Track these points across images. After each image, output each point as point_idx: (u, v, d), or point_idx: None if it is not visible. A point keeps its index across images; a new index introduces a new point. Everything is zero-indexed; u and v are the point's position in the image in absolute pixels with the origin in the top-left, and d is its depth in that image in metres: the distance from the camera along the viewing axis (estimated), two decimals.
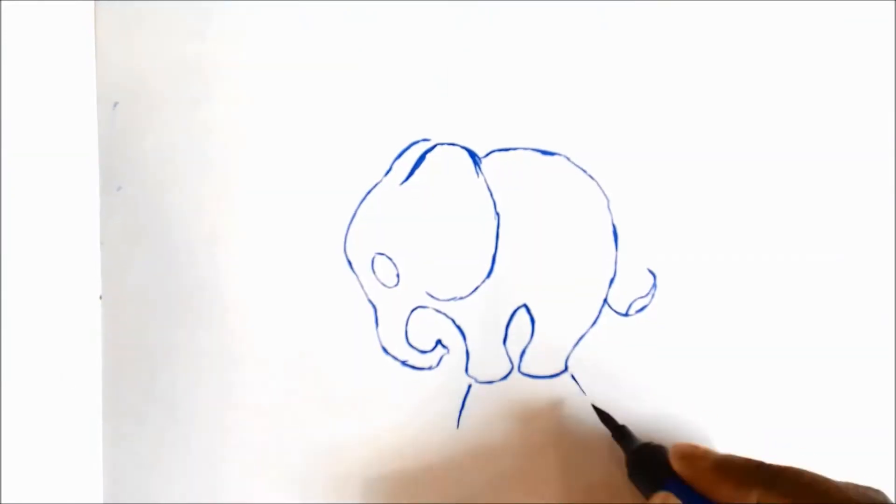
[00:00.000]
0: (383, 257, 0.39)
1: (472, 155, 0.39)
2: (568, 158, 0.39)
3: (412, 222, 0.39)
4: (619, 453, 0.36)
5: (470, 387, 0.39)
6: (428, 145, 0.39)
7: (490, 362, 0.39)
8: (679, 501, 0.32)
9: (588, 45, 0.39)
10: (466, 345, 0.39)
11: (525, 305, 0.39)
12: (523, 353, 0.39)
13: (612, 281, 0.38)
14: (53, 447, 0.39)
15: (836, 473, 0.36)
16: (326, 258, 0.39)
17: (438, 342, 0.39)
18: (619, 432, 0.36)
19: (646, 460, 0.35)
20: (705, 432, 0.38)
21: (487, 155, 0.39)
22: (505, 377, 0.39)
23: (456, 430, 0.38)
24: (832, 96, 0.39)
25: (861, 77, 0.39)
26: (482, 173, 0.39)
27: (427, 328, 0.39)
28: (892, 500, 0.31)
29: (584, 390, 0.38)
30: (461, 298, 0.39)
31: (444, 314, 0.39)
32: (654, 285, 0.38)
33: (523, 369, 0.39)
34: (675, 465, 0.33)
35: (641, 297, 0.38)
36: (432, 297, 0.39)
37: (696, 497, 0.32)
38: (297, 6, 0.39)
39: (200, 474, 0.39)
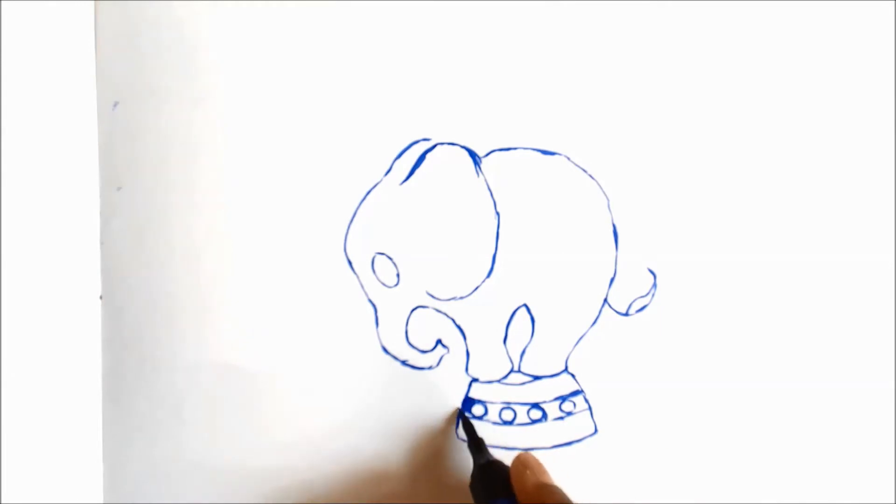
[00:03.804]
0: (383, 257, 0.39)
1: (472, 155, 0.39)
2: (568, 158, 0.39)
3: (412, 222, 0.39)
4: None
5: (470, 386, 0.39)
6: (428, 145, 0.39)
7: (490, 362, 0.39)
8: None
9: (588, 45, 0.39)
10: (466, 345, 0.39)
11: (525, 305, 0.39)
12: (523, 352, 0.39)
13: (612, 281, 0.39)
14: (53, 447, 0.38)
15: (836, 473, 0.37)
16: (326, 258, 0.39)
17: (438, 342, 0.39)
18: (476, 444, 0.37)
19: (488, 477, 0.35)
20: (705, 432, 0.38)
21: (487, 155, 0.39)
22: (505, 377, 0.39)
23: (456, 429, 0.38)
24: (832, 96, 0.39)
25: (861, 77, 0.39)
26: (482, 173, 0.39)
27: (427, 328, 0.39)
28: None
29: (584, 389, 0.38)
30: (461, 298, 0.39)
31: (444, 314, 0.39)
32: (654, 285, 0.38)
33: (523, 369, 0.39)
34: (513, 470, 0.33)
35: (641, 297, 0.38)
36: (432, 296, 0.39)
37: None
38: (297, 6, 0.39)
39: (200, 474, 0.39)
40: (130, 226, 0.40)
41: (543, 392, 0.38)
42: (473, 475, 0.35)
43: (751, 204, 0.39)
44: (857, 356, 0.38)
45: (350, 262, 0.39)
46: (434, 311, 0.39)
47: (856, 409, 0.38)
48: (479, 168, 0.39)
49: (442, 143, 0.39)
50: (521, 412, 0.38)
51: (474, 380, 0.39)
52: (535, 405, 0.38)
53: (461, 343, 0.39)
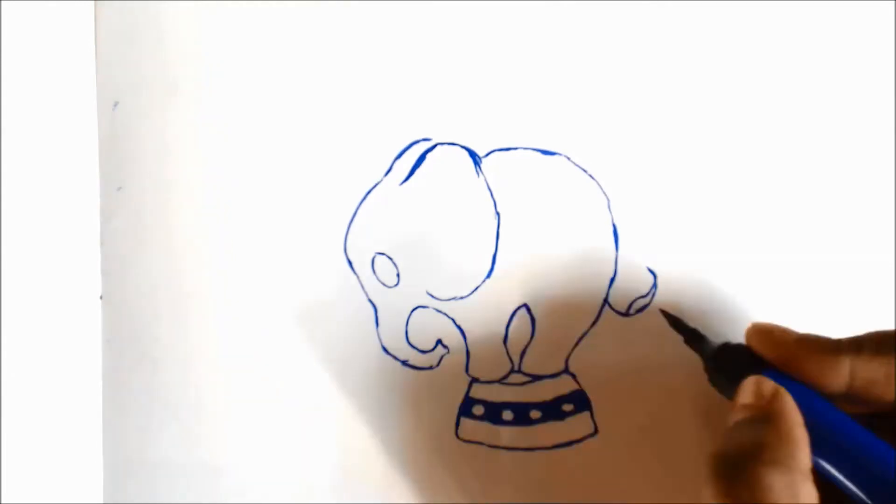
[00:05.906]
0: (383, 257, 0.39)
1: (473, 155, 0.39)
2: (568, 158, 0.39)
3: (412, 222, 0.39)
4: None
5: (470, 386, 0.39)
6: (428, 145, 0.39)
7: (490, 362, 0.39)
8: (772, 382, 0.29)
9: (588, 45, 0.39)
10: (466, 345, 0.39)
11: (525, 305, 0.39)
12: (523, 353, 0.39)
13: (612, 281, 0.38)
14: (53, 447, 0.39)
15: None
16: (326, 258, 0.39)
17: (438, 342, 0.39)
18: (692, 336, 0.35)
19: (728, 360, 0.33)
20: (705, 433, 0.38)
21: (487, 155, 0.39)
22: (505, 377, 0.39)
23: (455, 430, 0.38)
24: (832, 96, 0.39)
25: (861, 77, 0.39)
26: (482, 173, 0.39)
27: (427, 328, 0.39)
28: None
29: (584, 389, 0.38)
30: (461, 298, 0.39)
31: (444, 314, 0.39)
32: (655, 285, 0.38)
33: (523, 369, 0.39)
34: (756, 342, 0.31)
35: (641, 297, 0.38)
36: (432, 297, 0.39)
37: (787, 379, 0.30)
38: (297, 6, 0.39)
39: (201, 474, 0.39)
40: (130, 226, 0.40)
41: (543, 392, 0.38)
42: (710, 362, 0.33)
43: (751, 204, 0.38)
44: None
45: (350, 262, 0.39)
46: (434, 311, 0.39)
47: None
48: (479, 168, 0.39)
49: (442, 143, 0.39)
50: (521, 412, 0.38)
51: (474, 380, 0.39)
52: (535, 405, 0.38)
53: (461, 343, 0.39)
